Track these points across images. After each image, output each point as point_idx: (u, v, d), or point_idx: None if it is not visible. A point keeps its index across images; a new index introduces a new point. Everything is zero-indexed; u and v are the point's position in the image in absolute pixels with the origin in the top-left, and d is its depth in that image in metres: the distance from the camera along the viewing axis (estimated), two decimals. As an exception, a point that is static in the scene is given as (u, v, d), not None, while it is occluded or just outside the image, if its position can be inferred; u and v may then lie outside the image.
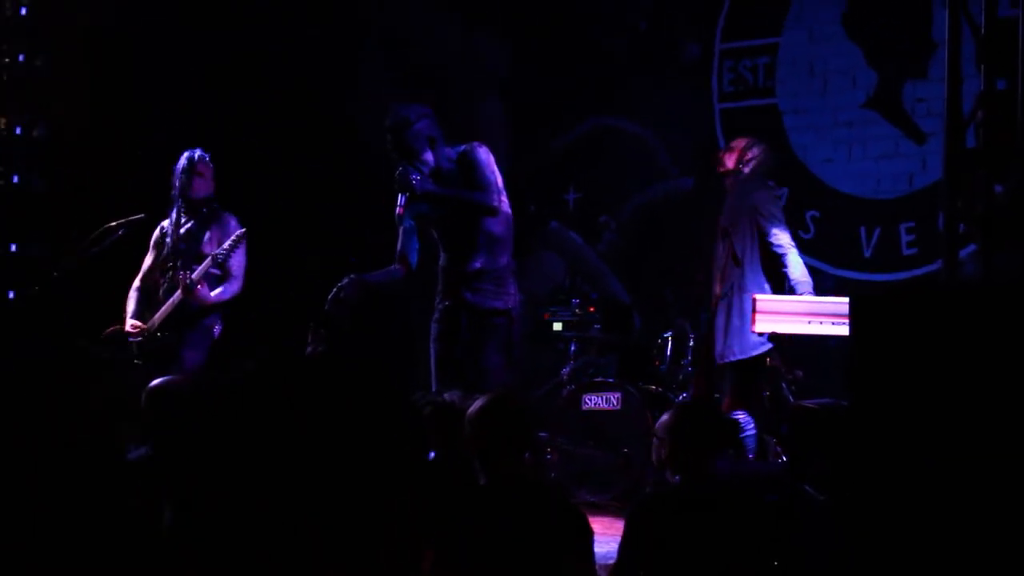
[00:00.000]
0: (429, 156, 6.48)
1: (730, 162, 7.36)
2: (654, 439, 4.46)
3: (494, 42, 9.95)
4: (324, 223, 9.62)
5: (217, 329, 7.08)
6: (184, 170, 7.06)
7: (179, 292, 6.86)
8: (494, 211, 6.40)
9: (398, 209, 6.43)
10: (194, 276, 6.82)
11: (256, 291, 7.27)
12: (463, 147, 6.51)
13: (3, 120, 8.78)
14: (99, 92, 9.11)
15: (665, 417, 4.42)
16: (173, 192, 7.11)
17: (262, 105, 9.59)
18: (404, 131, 6.43)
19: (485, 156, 6.46)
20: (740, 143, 7.43)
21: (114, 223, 7.13)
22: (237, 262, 6.98)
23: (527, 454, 4.26)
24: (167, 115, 9.16)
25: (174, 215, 7.09)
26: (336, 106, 9.85)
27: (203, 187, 7.11)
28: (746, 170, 7.29)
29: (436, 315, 6.60)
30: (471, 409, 4.22)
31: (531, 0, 9.87)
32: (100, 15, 9.02)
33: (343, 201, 9.52)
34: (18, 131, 8.81)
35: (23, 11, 8.80)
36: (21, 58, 8.76)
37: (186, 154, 7.10)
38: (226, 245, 6.89)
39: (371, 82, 10.15)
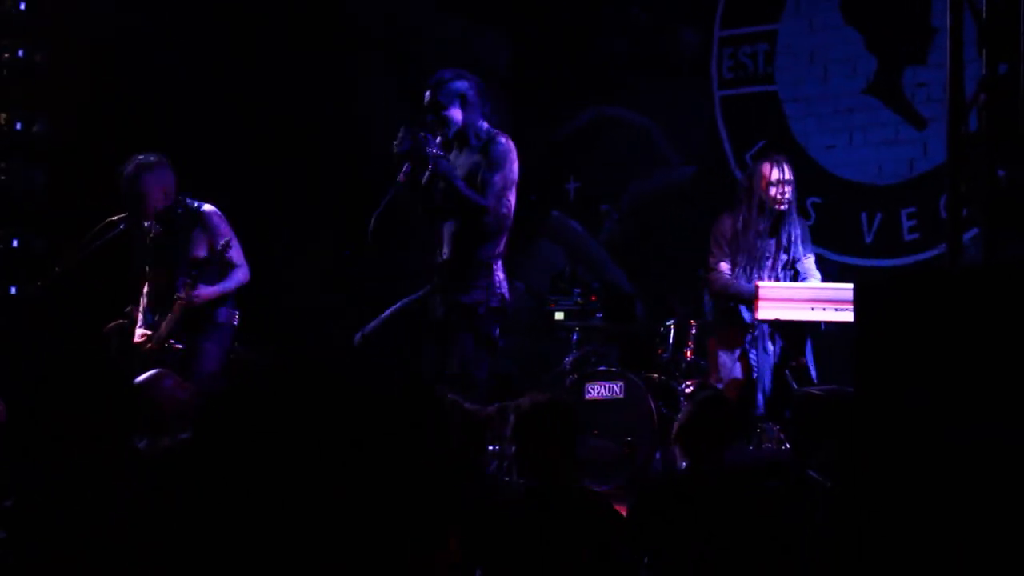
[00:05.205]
0: (456, 113, 6.46)
1: None
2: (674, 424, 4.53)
3: (494, 35, 9.95)
4: (322, 219, 9.63)
5: (236, 320, 6.96)
6: (131, 194, 6.81)
7: (182, 300, 6.71)
8: (484, 211, 6.35)
9: (400, 177, 6.38)
10: (194, 292, 6.68)
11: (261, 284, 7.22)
12: (494, 132, 6.49)
13: (3, 115, 8.74)
14: (100, 86, 9.09)
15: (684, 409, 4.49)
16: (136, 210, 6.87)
17: (261, 102, 9.58)
18: (440, 87, 6.44)
19: (505, 152, 6.43)
20: None
21: (115, 217, 7.09)
22: (235, 251, 6.83)
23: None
24: (168, 110, 9.15)
25: (148, 225, 6.92)
26: (338, 102, 9.85)
27: (158, 196, 6.85)
28: None
29: (417, 307, 6.59)
30: (521, 408, 4.17)
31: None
32: (101, 9, 9.00)
33: (341, 198, 9.51)
34: (18, 126, 8.77)
35: (22, 6, 8.76)
36: (21, 53, 8.72)
37: (127, 172, 6.80)
38: (219, 247, 6.74)
39: (371, 79, 10.16)
